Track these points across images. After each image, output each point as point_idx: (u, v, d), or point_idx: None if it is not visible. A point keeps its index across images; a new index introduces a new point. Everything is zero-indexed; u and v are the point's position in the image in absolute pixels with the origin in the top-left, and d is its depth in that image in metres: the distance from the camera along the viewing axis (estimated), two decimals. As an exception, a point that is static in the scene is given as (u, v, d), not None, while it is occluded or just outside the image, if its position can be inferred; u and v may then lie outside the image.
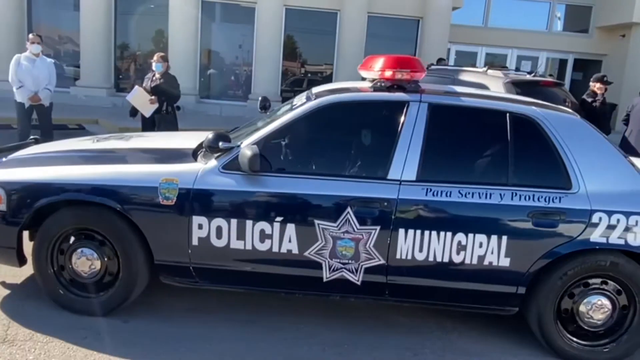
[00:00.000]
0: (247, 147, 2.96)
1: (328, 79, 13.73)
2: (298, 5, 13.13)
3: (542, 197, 2.89)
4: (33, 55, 6.61)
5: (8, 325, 2.98)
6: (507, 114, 3.07)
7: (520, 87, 6.68)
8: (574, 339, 3.02)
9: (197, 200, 2.97)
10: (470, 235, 2.88)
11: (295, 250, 2.96)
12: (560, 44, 15.53)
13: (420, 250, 2.91)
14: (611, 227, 2.86)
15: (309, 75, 14.20)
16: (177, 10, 12.68)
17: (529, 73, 7.50)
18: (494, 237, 2.88)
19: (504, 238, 2.87)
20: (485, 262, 2.90)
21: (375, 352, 3.05)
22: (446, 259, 2.91)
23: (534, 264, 2.91)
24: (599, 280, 2.99)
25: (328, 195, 2.94)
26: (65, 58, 13.47)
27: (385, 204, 2.90)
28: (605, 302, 2.99)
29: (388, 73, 3.17)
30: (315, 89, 3.57)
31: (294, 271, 3.03)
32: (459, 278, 2.97)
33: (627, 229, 2.87)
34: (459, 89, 3.78)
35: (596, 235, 2.87)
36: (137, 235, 3.03)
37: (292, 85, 14.07)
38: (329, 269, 2.98)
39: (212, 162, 3.07)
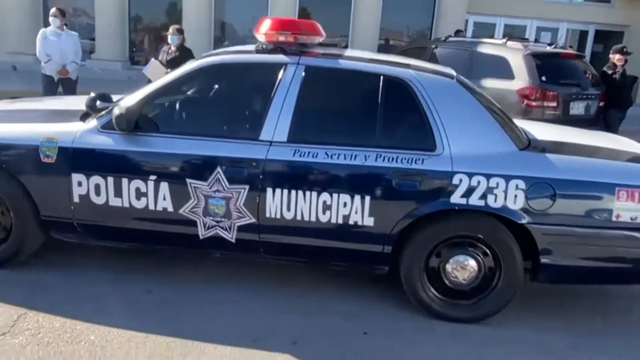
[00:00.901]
0: (118, 106, 3.07)
1: (343, 52, 13.56)
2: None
3: (405, 158, 2.92)
4: (57, 29, 6.64)
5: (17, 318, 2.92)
6: (381, 77, 3.10)
7: (540, 59, 6.57)
8: (440, 296, 3.08)
9: (75, 159, 3.10)
10: (335, 195, 2.95)
11: (170, 209, 3.07)
12: (581, 14, 15.06)
13: (288, 209, 2.98)
14: (471, 189, 2.87)
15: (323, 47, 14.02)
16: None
17: (549, 45, 7.35)
18: (358, 197, 2.93)
19: (367, 198, 2.93)
20: (350, 222, 2.97)
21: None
22: (313, 218, 2.98)
23: (397, 223, 2.96)
24: (466, 241, 3.03)
25: (199, 155, 3.04)
26: (80, 31, 13.36)
27: (254, 164, 2.98)
28: (471, 262, 3.03)
29: (271, 35, 3.23)
30: (209, 53, 3.64)
31: (172, 228, 3.14)
32: (327, 237, 3.05)
33: (488, 190, 2.87)
34: (346, 52, 3.75)
35: (456, 197, 2.89)
36: (25, 191, 3.16)
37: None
38: (204, 226, 3.08)
39: (93, 122, 3.20)
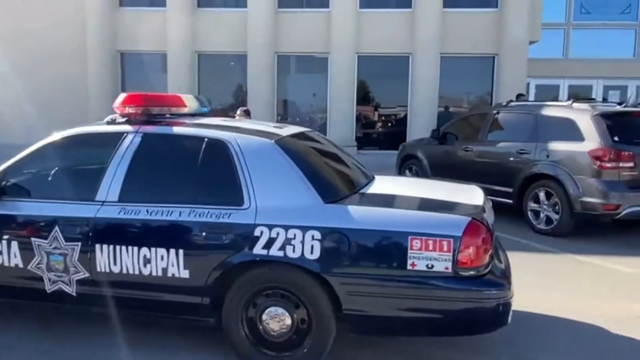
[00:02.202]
0: None
1: (402, 121, 13.73)
2: (370, 52, 13.39)
3: (214, 213, 3.10)
4: None
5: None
6: (205, 139, 3.34)
7: (610, 119, 6.32)
8: (261, 348, 3.11)
9: None
10: (154, 249, 3.15)
11: (20, 265, 3.38)
12: (650, 70, 14.59)
13: (115, 263, 3.21)
14: (271, 240, 2.98)
15: (383, 118, 14.28)
16: (254, 65, 13.37)
17: (619, 104, 7.07)
18: (173, 251, 3.12)
19: (181, 251, 3.11)
20: (169, 274, 3.13)
21: None
22: (137, 271, 3.18)
23: (209, 275, 3.08)
24: (278, 292, 3.07)
25: (42, 215, 3.39)
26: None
27: (85, 222, 3.27)
28: (282, 313, 3.06)
29: (121, 108, 3.58)
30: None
31: (24, 283, 3.42)
32: (152, 289, 3.22)
33: (286, 241, 2.96)
34: (200, 120, 3.86)
35: (258, 248, 3.00)
36: None
37: (366, 128, 14.19)
38: (49, 281, 3.36)
39: None
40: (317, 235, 2.95)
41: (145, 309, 3.35)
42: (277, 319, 3.07)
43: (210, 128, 3.52)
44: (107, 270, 3.24)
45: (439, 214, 3.13)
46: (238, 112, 6.92)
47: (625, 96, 12.39)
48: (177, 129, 3.54)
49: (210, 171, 3.32)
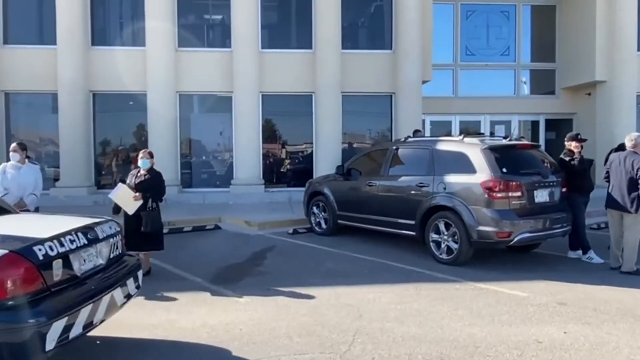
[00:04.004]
0: None
1: (309, 158, 13.88)
2: (273, 91, 13.51)
3: None
4: (17, 162, 6.64)
5: None
6: None
7: (498, 151, 6.78)
8: None
9: None
10: None
11: None
12: (529, 106, 16.06)
13: None
14: None
15: (290, 155, 14.37)
16: (154, 105, 12.94)
17: (505, 137, 7.64)
18: None
19: None
20: None
21: None
22: None
23: None
24: None
25: None
26: (47, 159, 13.49)
27: None
28: None
29: None
30: None
31: None
32: None
33: None
34: None
35: None
36: None
37: (274, 166, 14.18)
38: None
39: None
40: None
41: None
42: None
43: None
44: None
45: None
46: (140, 154, 6.59)
47: (510, 130, 13.49)
48: None
49: None
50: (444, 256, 6.86)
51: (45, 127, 13.56)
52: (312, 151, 13.85)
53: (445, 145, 7.31)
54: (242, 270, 6.71)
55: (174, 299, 5.45)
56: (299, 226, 9.66)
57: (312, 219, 9.35)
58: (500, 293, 5.56)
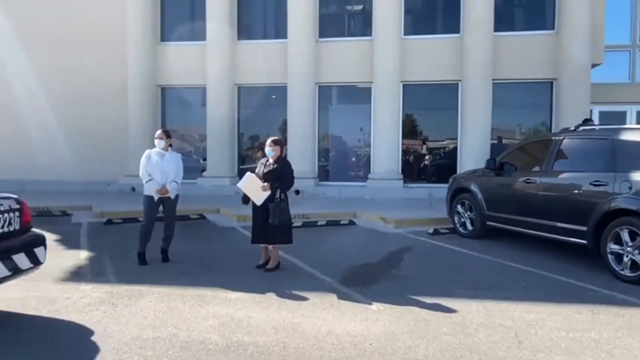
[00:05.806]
0: None
1: (452, 152, 12.79)
2: (415, 80, 12.65)
3: None
4: (161, 150, 6.75)
5: None
6: None
7: None
8: None
9: None
10: None
11: None
12: None
13: None
14: None
15: (432, 149, 13.37)
16: (294, 96, 12.88)
17: None
18: None
19: None
20: None
21: None
22: None
23: None
24: None
25: None
26: (202, 152, 14.24)
27: None
28: None
29: None
30: None
31: None
32: None
33: None
34: None
35: None
36: None
37: (413, 161, 13.32)
38: None
39: None
40: None
41: None
42: None
43: None
44: None
45: None
46: (267, 143, 6.29)
47: None
48: None
49: None
50: (627, 272, 5.49)
51: (195, 120, 14.27)
52: (455, 145, 12.73)
53: (634, 134, 5.88)
54: (375, 272, 6.05)
55: (301, 299, 4.98)
56: (440, 226, 8.75)
57: (456, 218, 8.36)
58: None
